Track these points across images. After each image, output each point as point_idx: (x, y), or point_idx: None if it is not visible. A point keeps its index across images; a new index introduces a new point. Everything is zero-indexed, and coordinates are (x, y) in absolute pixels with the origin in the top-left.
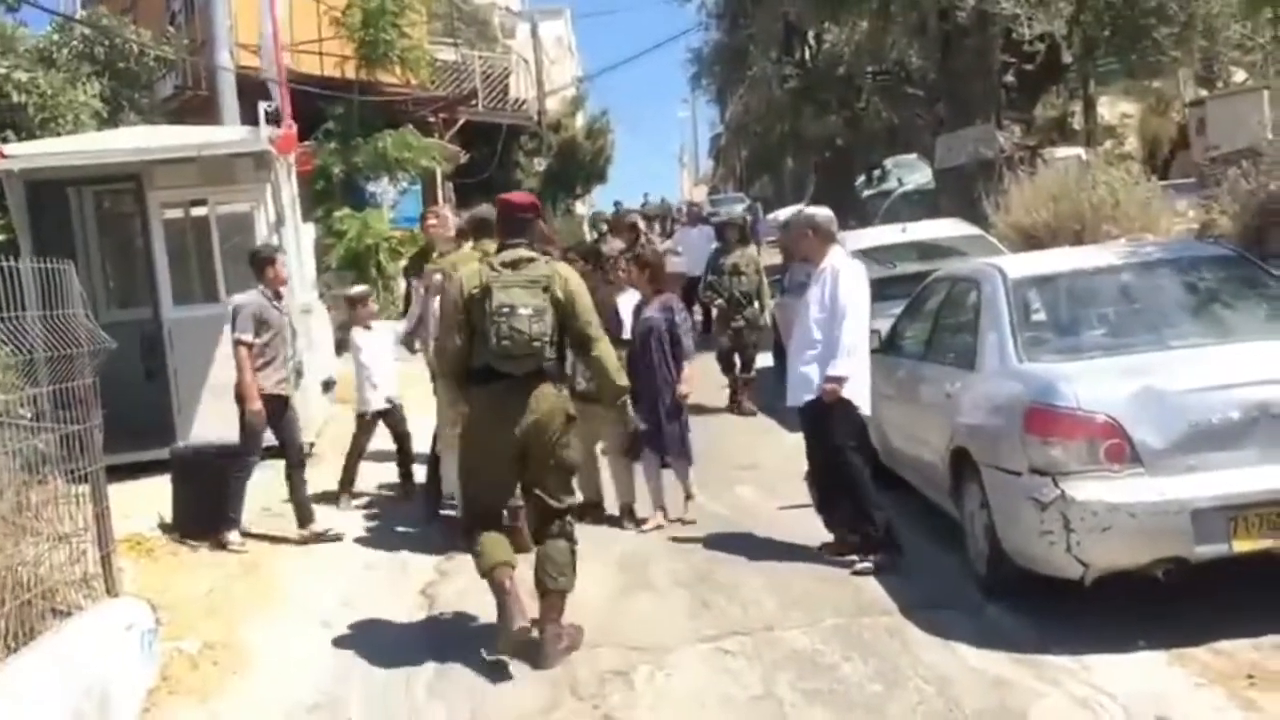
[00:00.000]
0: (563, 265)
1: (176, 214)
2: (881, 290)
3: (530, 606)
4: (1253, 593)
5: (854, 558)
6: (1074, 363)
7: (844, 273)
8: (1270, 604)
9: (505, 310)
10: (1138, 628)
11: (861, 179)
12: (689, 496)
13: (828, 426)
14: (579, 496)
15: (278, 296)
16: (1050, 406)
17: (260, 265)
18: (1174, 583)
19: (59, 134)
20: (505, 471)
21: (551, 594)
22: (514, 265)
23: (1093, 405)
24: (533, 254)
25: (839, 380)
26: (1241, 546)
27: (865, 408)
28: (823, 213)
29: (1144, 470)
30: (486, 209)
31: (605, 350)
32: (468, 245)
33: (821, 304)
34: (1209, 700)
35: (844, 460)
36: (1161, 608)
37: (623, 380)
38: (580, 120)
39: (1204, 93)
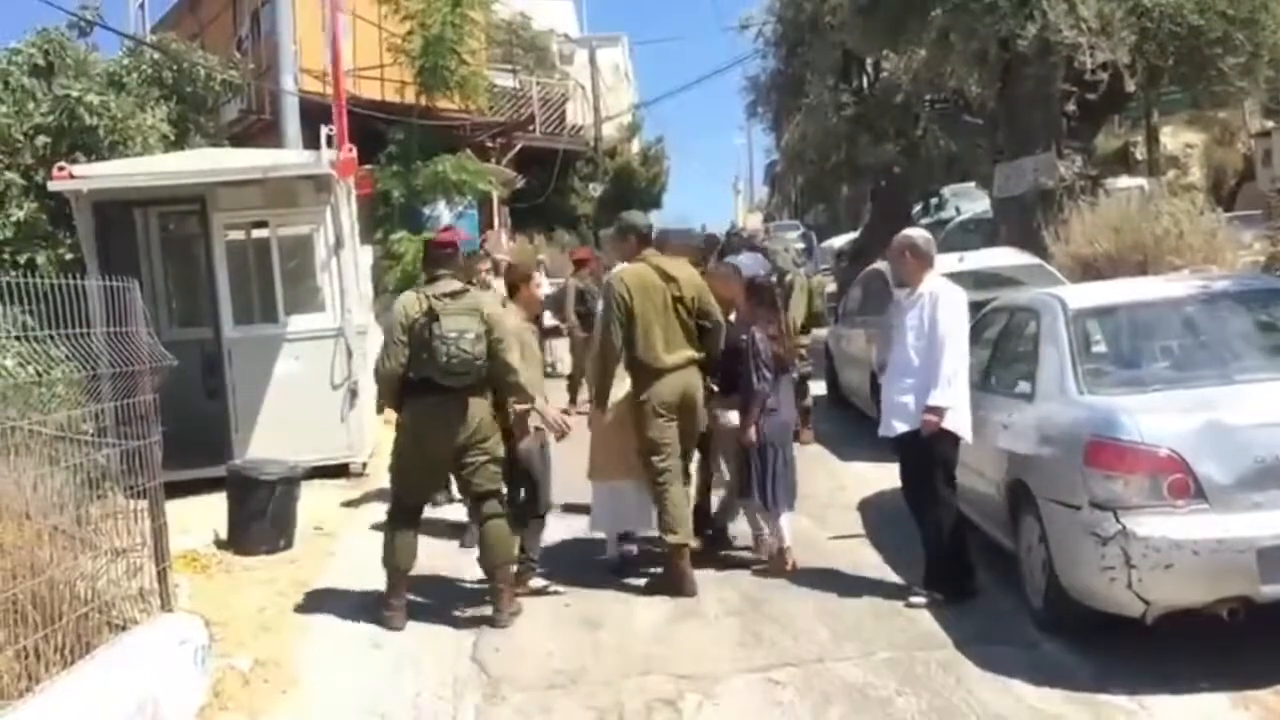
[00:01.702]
0: (484, 294)
1: (238, 235)
2: None
3: None
4: None
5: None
6: (1136, 395)
7: (943, 297)
8: None
9: (453, 334)
10: (1200, 668)
11: (919, 208)
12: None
13: (923, 458)
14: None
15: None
16: (1112, 439)
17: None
18: (1239, 623)
19: (128, 156)
20: (440, 471)
21: (500, 569)
22: (453, 295)
23: (1155, 439)
24: (463, 285)
25: (939, 411)
26: None
27: (968, 436)
28: (921, 234)
29: (1208, 506)
30: (640, 216)
31: (515, 359)
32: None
33: (919, 330)
34: None
35: (933, 492)
36: (1225, 648)
37: (529, 392)
38: (636, 147)
39: (1270, 124)
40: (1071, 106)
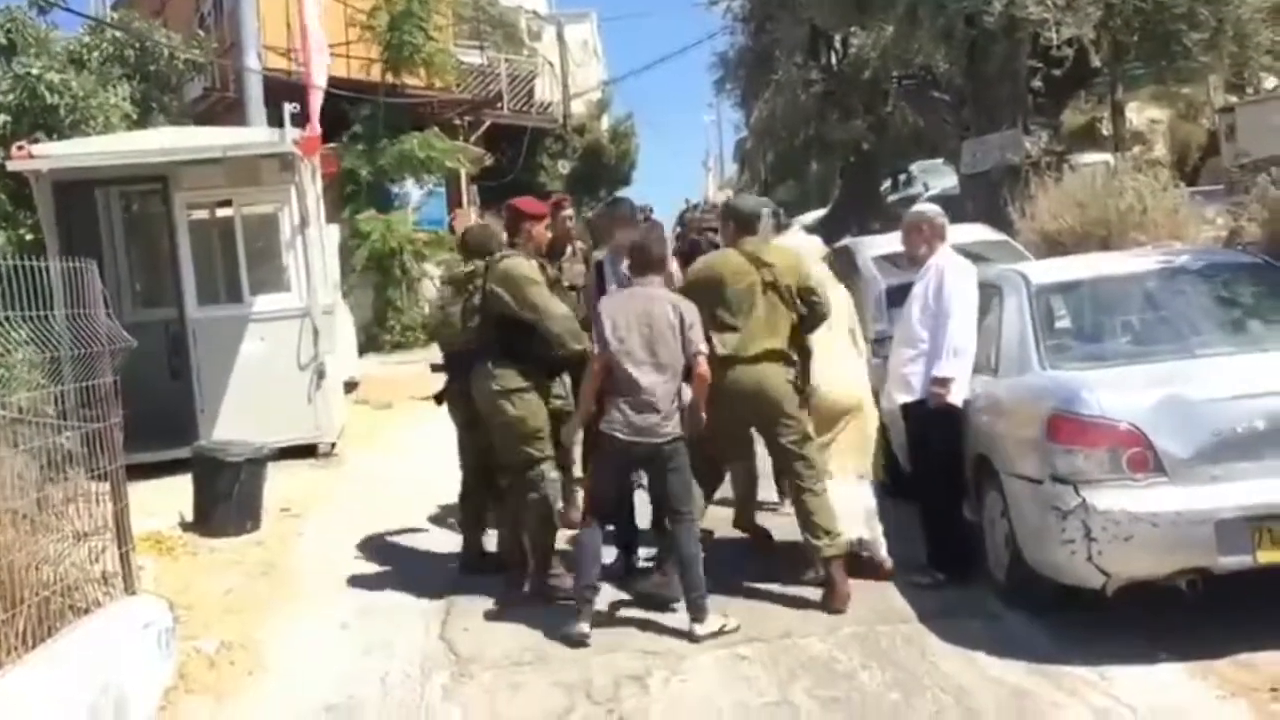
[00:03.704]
0: None
1: (202, 215)
2: (904, 296)
3: None
4: (1278, 605)
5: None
6: (1097, 370)
7: (950, 270)
8: None
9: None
10: (1160, 639)
11: (887, 184)
12: None
13: (926, 431)
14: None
15: None
16: (1073, 414)
17: None
18: (1197, 594)
19: (89, 135)
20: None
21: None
22: None
23: (1116, 413)
24: None
25: (945, 382)
26: (1266, 558)
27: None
28: (935, 208)
29: (1167, 479)
30: (744, 200)
31: None
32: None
33: (925, 302)
34: (1231, 714)
35: (935, 466)
36: (1184, 619)
37: None
38: (605, 124)
39: (1234, 99)
40: (1038, 83)
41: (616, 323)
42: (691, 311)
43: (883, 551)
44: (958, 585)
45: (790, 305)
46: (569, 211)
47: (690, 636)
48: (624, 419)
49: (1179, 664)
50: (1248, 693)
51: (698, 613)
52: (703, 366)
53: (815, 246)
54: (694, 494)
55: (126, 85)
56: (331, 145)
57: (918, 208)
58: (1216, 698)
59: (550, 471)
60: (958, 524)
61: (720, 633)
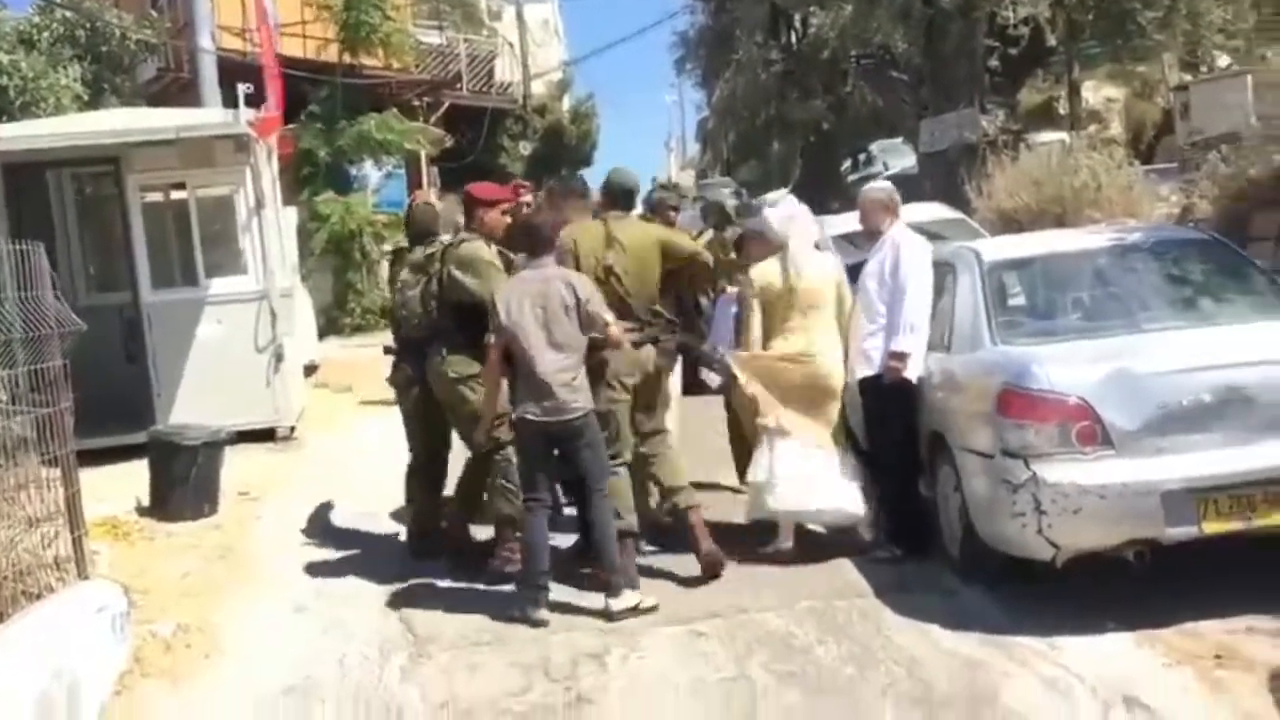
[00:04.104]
0: None
1: (156, 197)
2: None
3: None
4: (1222, 575)
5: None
6: (1047, 345)
7: (905, 245)
8: (1240, 586)
9: None
10: (1108, 610)
11: (847, 163)
12: None
13: (883, 405)
14: None
15: None
16: (1023, 389)
17: None
18: (1145, 565)
19: (39, 117)
20: None
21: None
22: None
23: (1065, 388)
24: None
25: (903, 357)
26: (1211, 528)
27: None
28: (888, 185)
29: (1115, 452)
30: (622, 175)
31: None
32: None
33: (882, 278)
34: (1177, 681)
35: (893, 441)
36: (1132, 590)
37: None
38: (566, 104)
39: (1188, 77)
40: (995, 62)
41: (511, 307)
42: (586, 287)
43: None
44: (915, 561)
45: (644, 282)
46: (528, 198)
47: (605, 613)
48: (533, 401)
49: (1127, 633)
50: (1193, 660)
51: (613, 589)
52: (614, 334)
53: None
54: (606, 469)
55: (77, 66)
56: (289, 126)
57: (878, 183)
58: (1162, 665)
59: (513, 454)
60: (914, 500)
61: (636, 609)
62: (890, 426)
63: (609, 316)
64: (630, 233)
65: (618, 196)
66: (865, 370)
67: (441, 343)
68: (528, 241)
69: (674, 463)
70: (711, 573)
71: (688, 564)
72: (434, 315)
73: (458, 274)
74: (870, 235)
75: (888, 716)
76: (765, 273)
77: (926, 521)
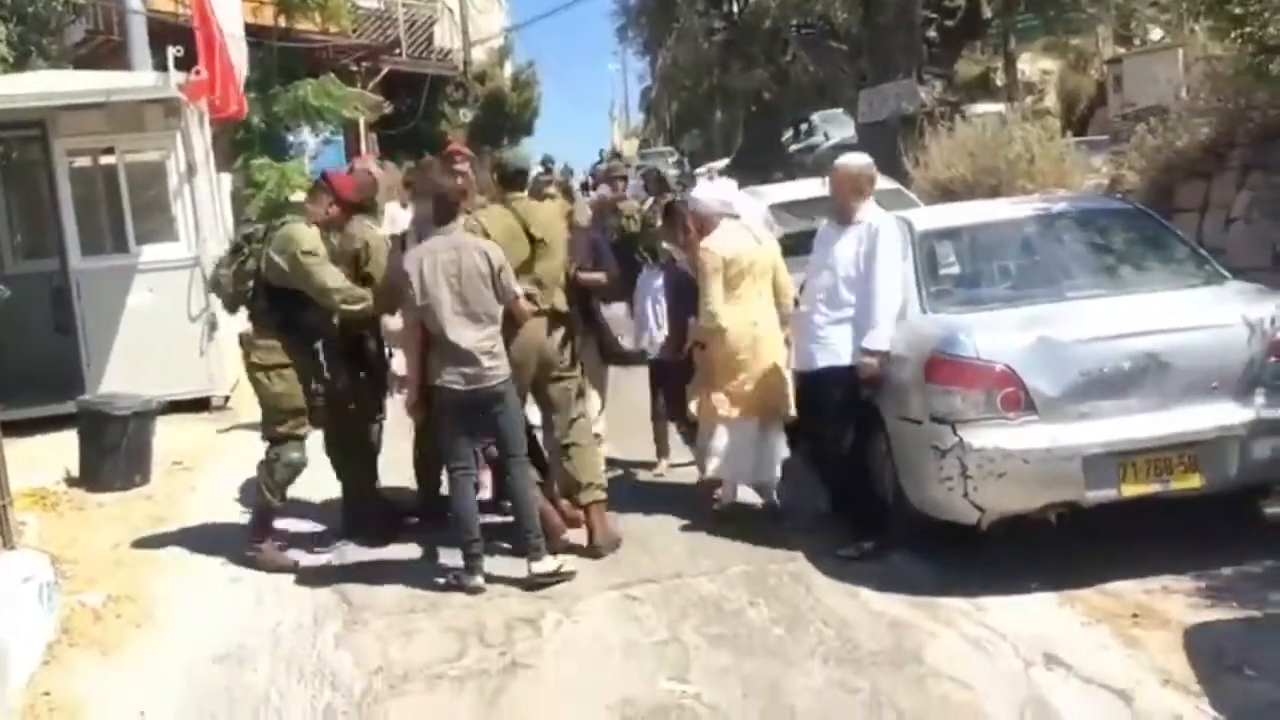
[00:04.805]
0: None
1: (85, 163)
2: (801, 243)
3: None
4: (1141, 536)
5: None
6: (975, 314)
7: (883, 232)
8: (1157, 547)
9: None
10: (1031, 571)
11: (789, 133)
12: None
13: (840, 397)
14: None
15: None
16: (951, 356)
17: None
18: (1066, 527)
19: None
20: None
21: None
22: None
23: (991, 355)
24: None
25: (878, 355)
26: (1130, 491)
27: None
28: (868, 160)
29: (1038, 418)
30: (513, 156)
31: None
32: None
33: (853, 262)
34: (1094, 639)
35: (844, 436)
36: (1054, 552)
37: None
38: (508, 71)
39: (1122, 50)
40: (932, 33)
41: (426, 281)
42: (499, 256)
43: (774, 495)
44: (884, 553)
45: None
46: (462, 166)
47: (527, 580)
48: (454, 370)
49: (1049, 593)
50: (1111, 619)
51: (534, 552)
52: (520, 308)
53: (756, 210)
54: (524, 436)
55: (2, 27)
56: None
57: (856, 157)
58: (1082, 624)
59: (289, 454)
60: (873, 489)
61: (558, 574)
62: (848, 418)
63: (518, 289)
64: (538, 215)
65: (512, 178)
66: (828, 360)
67: (255, 326)
68: (436, 210)
69: (588, 457)
70: (594, 555)
71: (627, 534)
72: (247, 295)
73: (276, 258)
74: (842, 211)
75: (816, 675)
76: (734, 243)
77: (888, 510)
